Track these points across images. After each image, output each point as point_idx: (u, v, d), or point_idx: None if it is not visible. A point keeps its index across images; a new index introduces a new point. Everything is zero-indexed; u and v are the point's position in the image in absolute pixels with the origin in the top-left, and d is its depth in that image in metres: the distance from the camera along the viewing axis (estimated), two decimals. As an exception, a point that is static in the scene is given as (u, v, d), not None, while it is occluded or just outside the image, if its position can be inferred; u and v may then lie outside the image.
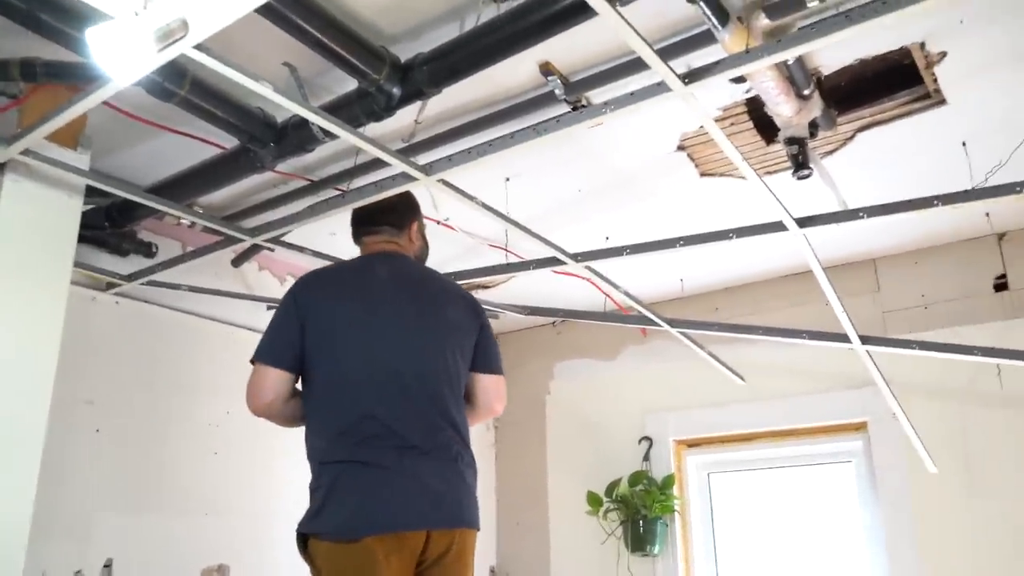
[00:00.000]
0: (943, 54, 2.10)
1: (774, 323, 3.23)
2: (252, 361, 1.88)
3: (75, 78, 1.96)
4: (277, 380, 1.86)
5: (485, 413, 2.06)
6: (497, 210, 2.22)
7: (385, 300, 1.93)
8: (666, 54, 1.75)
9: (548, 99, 2.26)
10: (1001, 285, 3.14)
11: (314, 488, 1.79)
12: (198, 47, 1.48)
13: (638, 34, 1.50)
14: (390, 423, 1.78)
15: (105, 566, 2.60)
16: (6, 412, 1.87)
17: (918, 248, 3.34)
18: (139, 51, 1.21)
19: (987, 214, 2.97)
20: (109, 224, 2.64)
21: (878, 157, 2.60)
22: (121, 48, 1.20)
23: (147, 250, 2.88)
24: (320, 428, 1.83)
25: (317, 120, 1.75)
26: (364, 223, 2.11)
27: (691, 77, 1.63)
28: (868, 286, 3.39)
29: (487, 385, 2.02)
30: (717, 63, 1.64)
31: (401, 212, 2.10)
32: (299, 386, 1.92)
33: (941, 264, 3.29)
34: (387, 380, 1.82)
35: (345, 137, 1.86)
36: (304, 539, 1.76)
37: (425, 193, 2.43)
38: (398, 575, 1.69)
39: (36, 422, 1.93)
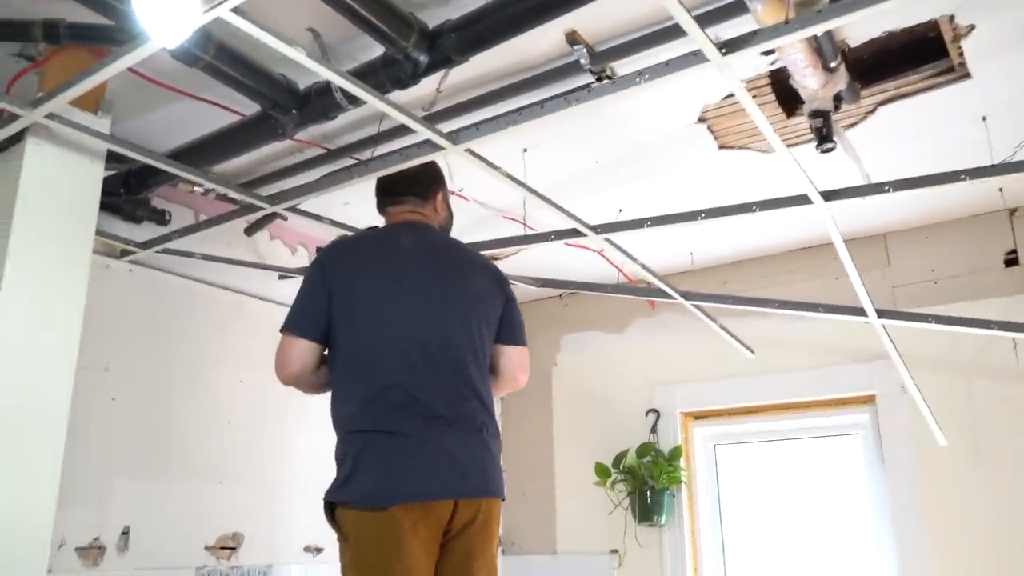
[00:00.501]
0: (971, 27, 2.09)
1: (783, 296, 3.24)
2: (281, 331, 1.88)
3: (99, 40, 1.94)
4: (305, 351, 1.87)
5: (509, 384, 2.07)
6: (521, 181, 2.21)
7: (410, 270, 1.93)
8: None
9: (571, 69, 2.24)
10: (1011, 260, 3.16)
11: (341, 457, 1.81)
12: (235, 10, 1.46)
13: (679, 1, 1.48)
14: (415, 392, 1.79)
15: (123, 533, 2.61)
16: (32, 379, 1.87)
17: (929, 223, 3.35)
18: (185, 13, 1.19)
19: (1000, 189, 2.98)
20: (125, 191, 2.62)
21: (898, 131, 2.60)
22: (167, 9, 1.18)
23: (160, 217, 2.87)
24: (346, 397, 1.84)
25: (350, 87, 1.73)
26: (388, 193, 2.10)
27: (729, 47, 1.61)
28: (879, 260, 3.40)
29: (512, 356, 2.04)
30: (755, 33, 1.62)
31: (426, 182, 2.10)
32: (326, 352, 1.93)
33: (951, 239, 3.30)
34: (412, 350, 1.83)
35: (373, 104, 1.84)
36: (332, 507, 1.78)
37: (440, 162, 2.42)
38: (425, 544, 1.71)
39: (62, 389, 1.92)
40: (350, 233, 2.75)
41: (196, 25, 1.31)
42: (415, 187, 2.09)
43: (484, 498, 1.81)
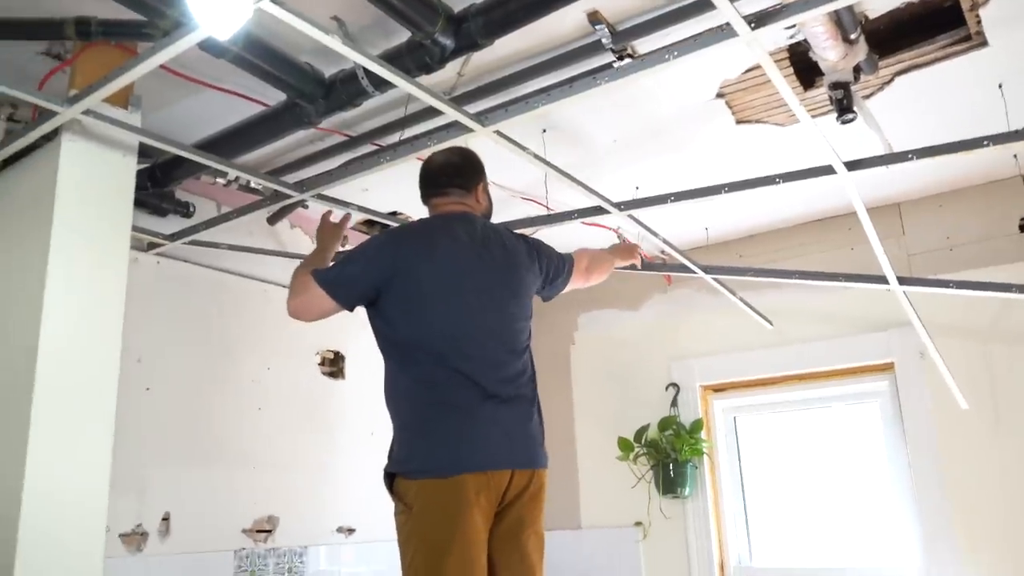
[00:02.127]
0: (990, -6, 2.12)
1: (797, 268, 3.27)
2: (317, 279, 1.95)
3: (130, 36, 1.97)
4: (329, 309, 1.99)
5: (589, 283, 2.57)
6: (548, 161, 2.24)
7: (467, 260, 2.01)
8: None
9: (589, 50, 2.26)
10: (1026, 226, 3.20)
11: (401, 429, 1.88)
12: (274, 0, 1.49)
13: (710, -22, 1.51)
14: (472, 374, 1.88)
15: (163, 519, 2.66)
16: (80, 373, 1.91)
17: (943, 191, 3.38)
18: (236, 4, 1.22)
19: (1015, 156, 3.00)
20: (151, 184, 2.65)
21: (914, 100, 2.62)
22: (220, 1, 1.21)
23: (185, 210, 2.90)
24: (406, 375, 1.93)
25: (385, 73, 1.75)
26: (432, 185, 2.16)
27: (758, 21, 1.64)
28: (893, 230, 3.43)
29: (576, 280, 2.45)
30: (783, 7, 1.65)
31: (468, 174, 2.16)
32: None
33: (965, 207, 3.33)
34: (473, 335, 1.93)
35: (405, 88, 1.86)
36: (391, 479, 1.84)
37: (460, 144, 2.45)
38: (484, 513, 1.79)
39: (108, 380, 1.96)
40: (375, 219, 2.79)
41: (247, 16, 1.34)
42: (458, 179, 2.15)
43: (536, 468, 1.91)
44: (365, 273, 1.95)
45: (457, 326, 1.92)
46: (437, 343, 1.90)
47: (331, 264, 2.14)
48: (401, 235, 2.07)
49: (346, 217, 2.53)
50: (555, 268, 2.32)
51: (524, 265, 2.13)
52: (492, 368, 1.91)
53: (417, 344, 1.91)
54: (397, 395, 1.92)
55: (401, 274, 1.93)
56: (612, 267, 2.73)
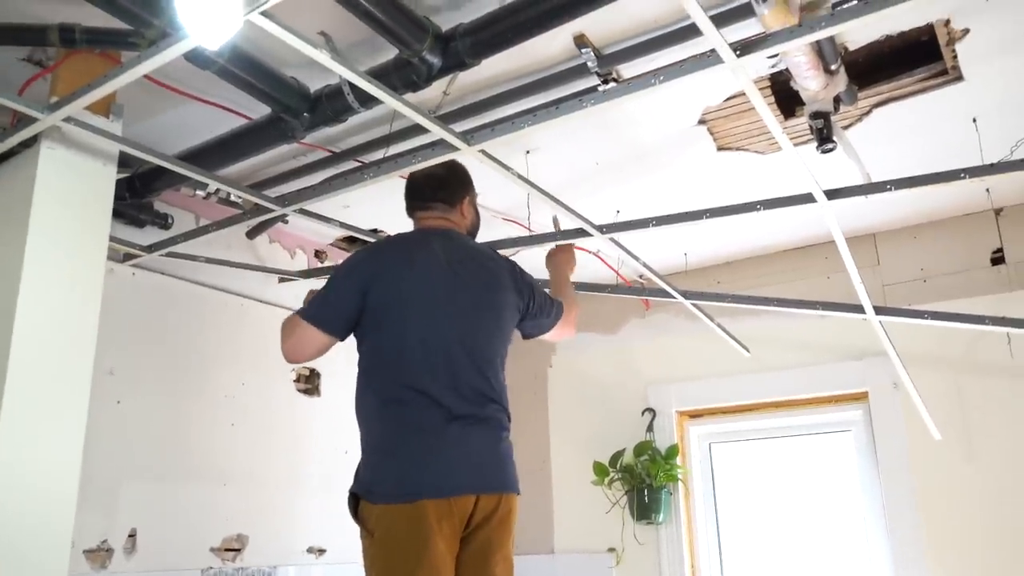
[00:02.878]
0: (966, 31, 2.16)
1: (775, 296, 3.29)
2: (303, 317, 1.91)
3: (115, 45, 1.95)
4: (323, 344, 1.93)
5: (565, 337, 2.46)
6: (533, 183, 2.25)
7: (444, 276, 1.98)
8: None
9: (575, 73, 2.28)
10: (998, 259, 3.25)
11: (367, 451, 1.84)
12: (264, 13, 1.48)
13: (697, 3, 1.53)
14: (440, 396, 1.84)
15: (130, 536, 2.61)
16: (51, 383, 1.87)
17: (918, 223, 3.43)
18: (227, 15, 1.22)
19: (987, 189, 3.06)
20: (129, 194, 2.62)
21: (892, 132, 2.67)
22: (211, 11, 1.20)
23: (163, 221, 2.87)
24: (373, 393, 1.88)
25: (372, 90, 1.75)
26: (416, 198, 2.15)
27: (744, 49, 1.66)
28: (868, 260, 3.47)
29: (559, 331, 2.35)
30: (768, 36, 1.67)
31: (453, 188, 2.14)
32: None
33: (939, 238, 3.38)
34: (442, 355, 1.88)
35: (392, 105, 1.86)
36: (355, 502, 1.80)
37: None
38: (448, 540, 1.75)
39: (80, 392, 1.93)
40: (356, 235, 2.77)
41: (238, 27, 1.34)
42: (441, 193, 2.14)
43: (503, 493, 1.86)
44: (345, 291, 1.93)
45: (427, 343, 1.88)
46: (405, 359, 1.86)
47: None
48: (378, 248, 2.06)
49: None
50: (545, 302, 2.25)
51: (505, 286, 2.09)
52: (461, 388, 1.87)
53: (385, 359, 1.88)
54: (363, 414, 1.89)
55: (378, 285, 1.90)
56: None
